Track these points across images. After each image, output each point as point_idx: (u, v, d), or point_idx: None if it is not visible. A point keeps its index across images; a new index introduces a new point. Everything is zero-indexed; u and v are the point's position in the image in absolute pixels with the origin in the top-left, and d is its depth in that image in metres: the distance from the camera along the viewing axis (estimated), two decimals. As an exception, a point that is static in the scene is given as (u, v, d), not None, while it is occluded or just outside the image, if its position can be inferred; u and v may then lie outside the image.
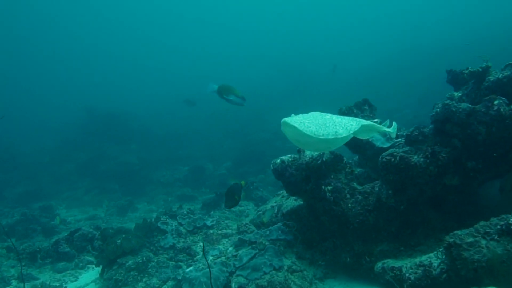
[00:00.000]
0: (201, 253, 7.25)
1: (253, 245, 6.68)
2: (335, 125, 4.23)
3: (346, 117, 4.54)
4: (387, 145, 5.93)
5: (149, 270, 6.80)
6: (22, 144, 23.05)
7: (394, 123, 5.00)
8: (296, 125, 4.08)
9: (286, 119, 4.15)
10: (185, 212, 8.21)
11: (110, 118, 22.78)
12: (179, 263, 7.04)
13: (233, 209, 10.03)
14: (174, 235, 7.47)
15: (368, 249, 6.07)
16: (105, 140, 20.97)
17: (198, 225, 7.81)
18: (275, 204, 8.02)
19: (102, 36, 46.54)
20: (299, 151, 6.38)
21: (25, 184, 17.40)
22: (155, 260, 6.96)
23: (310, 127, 4.09)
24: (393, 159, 5.45)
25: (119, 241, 7.23)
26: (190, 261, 7.09)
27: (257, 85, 32.75)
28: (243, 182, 6.92)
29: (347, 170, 6.35)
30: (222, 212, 9.90)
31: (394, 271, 5.21)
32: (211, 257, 6.86)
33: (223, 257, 6.73)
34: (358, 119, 4.52)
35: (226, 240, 7.38)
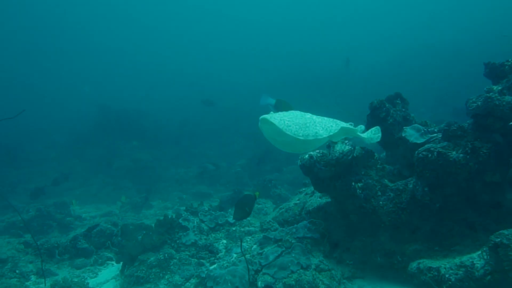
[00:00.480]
0: (224, 250, 7.07)
1: (279, 243, 6.49)
2: (315, 126, 4.09)
3: (326, 118, 4.38)
4: (421, 140, 5.70)
5: (171, 267, 6.63)
6: (35, 140, 23.08)
7: (376, 128, 4.76)
8: (275, 122, 3.92)
9: (265, 116, 4.02)
10: (206, 209, 8.04)
11: (123, 115, 22.72)
12: (201, 260, 6.85)
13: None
14: (196, 232, 7.30)
15: (401, 249, 5.85)
16: (118, 137, 20.92)
17: (220, 222, 7.64)
18: (298, 201, 7.81)
19: (117, 33, 46.68)
20: (328, 146, 6.17)
21: (38, 181, 17.38)
22: (177, 257, 6.79)
23: (290, 126, 3.94)
24: (430, 155, 5.23)
25: (140, 237, 7.08)
26: (213, 258, 6.92)
27: (269, 83, 32.53)
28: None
29: (378, 166, 6.13)
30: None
31: (432, 272, 4.99)
32: (235, 255, 6.68)
33: (248, 255, 6.55)
34: (337, 121, 4.38)
35: (250, 237, 7.19)
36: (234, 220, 7.71)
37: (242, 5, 49.00)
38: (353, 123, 4.63)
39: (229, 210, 10.18)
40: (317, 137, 3.99)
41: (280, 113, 4.24)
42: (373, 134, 4.71)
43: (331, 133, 4.10)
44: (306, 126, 4.04)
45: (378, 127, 4.74)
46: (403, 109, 6.27)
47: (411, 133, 5.88)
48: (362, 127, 4.73)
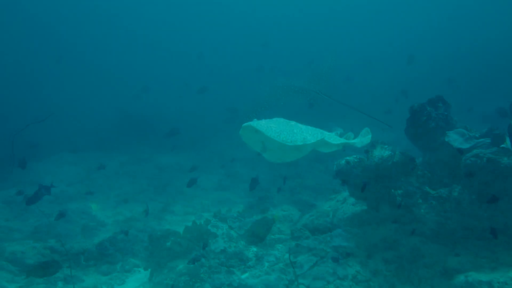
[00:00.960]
0: (254, 258, 6.84)
1: (313, 252, 6.26)
2: (302, 132, 4.06)
3: (310, 127, 4.37)
4: (466, 145, 5.42)
5: (201, 275, 6.44)
6: (56, 142, 23.24)
7: (366, 130, 4.63)
8: (262, 130, 3.91)
9: (251, 123, 4.02)
10: (235, 215, 7.85)
11: (144, 120, 22.75)
12: (231, 268, 6.65)
13: (276, 214, 9.63)
14: (225, 239, 7.10)
15: (443, 260, 5.56)
16: (138, 141, 20.92)
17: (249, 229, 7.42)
18: (329, 208, 7.57)
19: (139, 40, 47.13)
20: (366, 152, 5.93)
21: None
22: (207, 265, 6.60)
23: (278, 133, 3.95)
24: (479, 161, 4.96)
25: (169, 243, 6.92)
26: (243, 266, 6.70)
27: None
28: (276, 217, 6.66)
29: (418, 173, 5.87)
30: (264, 216, 9.49)
31: (483, 286, 4.70)
32: (267, 264, 6.45)
33: (281, 263, 6.33)
34: (321, 130, 4.31)
35: (281, 245, 6.96)
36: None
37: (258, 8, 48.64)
38: (339, 132, 4.53)
39: (254, 216, 10.00)
40: (305, 142, 3.94)
41: (264, 120, 4.22)
42: (363, 137, 4.58)
43: (318, 139, 4.06)
44: (293, 132, 4.03)
45: (367, 128, 4.61)
46: (445, 113, 6.00)
47: (455, 138, 5.60)
48: (351, 134, 4.65)
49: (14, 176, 17.02)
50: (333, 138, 4.33)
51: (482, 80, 25.68)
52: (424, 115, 5.88)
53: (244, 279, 6.13)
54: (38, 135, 23.34)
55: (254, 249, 7.09)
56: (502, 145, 4.70)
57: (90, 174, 18.41)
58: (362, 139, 4.55)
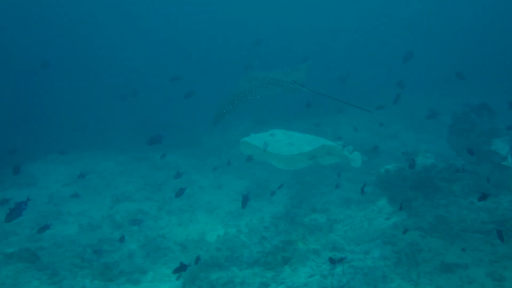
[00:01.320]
0: (289, 269, 6.69)
1: (351, 263, 6.08)
2: (298, 141, 4.31)
3: (308, 135, 4.60)
4: (515, 153, 5.18)
5: (236, 286, 6.32)
6: (53, 142, 23.42)
7: (357, 153, 4.99)
8: (256, 143, 4.35)
9: (246, 138, 4.56)
10: (267, 225, 7.72)
11: (141, 119, 22.87)
12: (265, 279, 6.51)
13: (306, 223, 9.45)
14: (258, 249, 6.97)
15: (493, 272, 5.31)
16: (135, 140, 20.98)
17: (282, 239, 7.28)
18: (364, 218, 7.37)
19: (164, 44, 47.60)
20: (408, 160, 5.74)
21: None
22: (241, 276, 6.48)
23: (272, 145, 4.30)
24: (531, 170, 4.72)
25: (202, 253, 6.83)
26: (278, 278, 6.55)
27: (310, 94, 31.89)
28: (300, 243, 6.69)
29: (463, 181, 5.64)
30: (295, 226, 9.32)
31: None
32: (303, 275, 6.29)
33: (317, 275, 6.16)
34: (322, 139, 4.53)
35: (316, 256, 6.78)
36: (299, 232, 7.38)
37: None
38: (341, 142, 4.71)
39: (282, 226, 9.81)
40: (301, 151, 4.22)
41: (259, 134, 4.68)
42: (356, 158, 5.04)
43: (315, 147, 4.33)
44: (289, 142, 4.29)
45: (358, 152, 5.08)
46: (490, 120, 5.78)
47: (501, 146, 5.37)
48: (351, 147, 4.94)
49: (9, 178, 17.13)
50: (334, 147, 4.50)
51: (479, 76, 24.90)
52: (468, 122, 5.67)
53: (280, 290, 5.98)
54: (36, 135, 23.60)
55: (289, 260, 6.94)
56: (504, 163, 4.71)
57: (86, 174, 18.33)
58: (355, 159, 5.01)
